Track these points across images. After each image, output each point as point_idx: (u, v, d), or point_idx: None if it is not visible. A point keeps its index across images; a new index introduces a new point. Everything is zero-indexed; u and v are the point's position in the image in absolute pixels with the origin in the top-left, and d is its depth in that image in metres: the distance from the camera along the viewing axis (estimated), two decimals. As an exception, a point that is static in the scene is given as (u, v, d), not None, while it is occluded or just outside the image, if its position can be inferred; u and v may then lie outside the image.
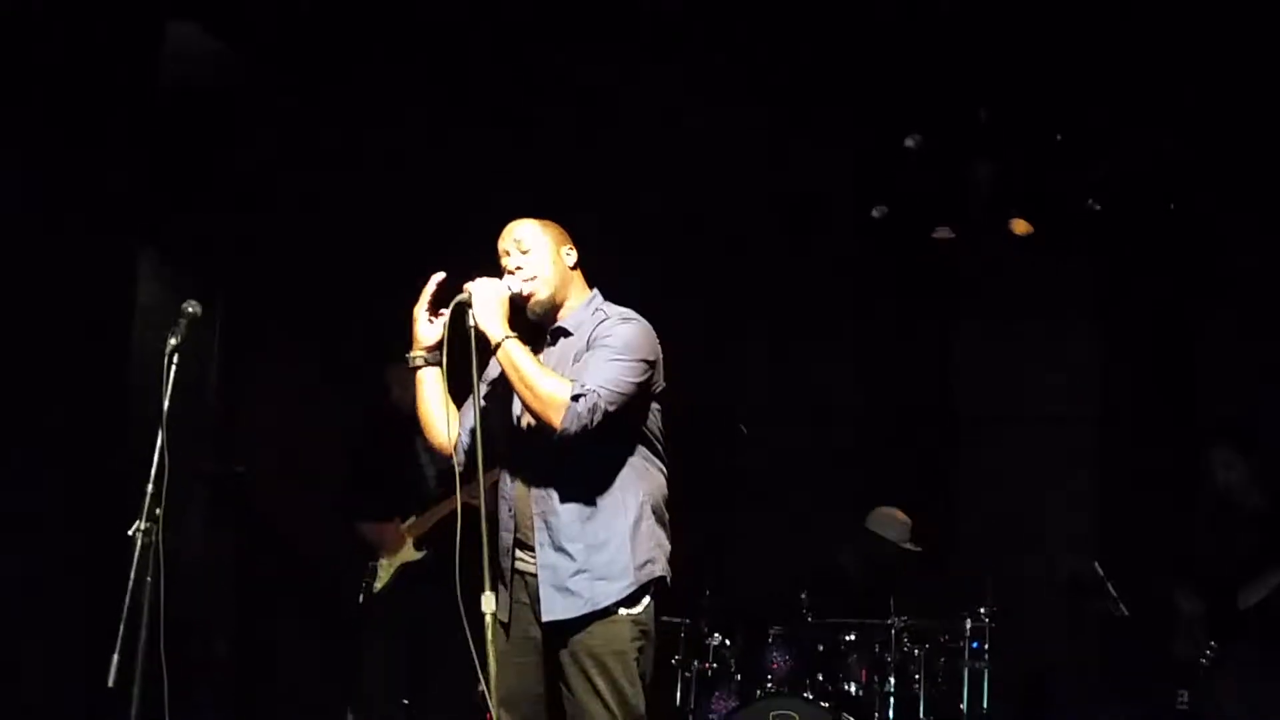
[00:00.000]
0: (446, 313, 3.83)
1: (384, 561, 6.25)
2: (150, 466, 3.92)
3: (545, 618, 3.86)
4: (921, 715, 6.70)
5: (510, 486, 4.03)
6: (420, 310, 3.97)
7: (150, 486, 3.90)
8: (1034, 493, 8.27)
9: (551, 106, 7.25)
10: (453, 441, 3.94)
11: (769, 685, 6.68)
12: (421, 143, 7.19)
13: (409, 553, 6.23)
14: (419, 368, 4.01)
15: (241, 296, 6.73)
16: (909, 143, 7.49)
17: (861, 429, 8.40)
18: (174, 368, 4.02)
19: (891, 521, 7.23)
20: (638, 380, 3.88)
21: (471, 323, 3.77)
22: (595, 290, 4.12)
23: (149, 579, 3.86)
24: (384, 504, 6.28)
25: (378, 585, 6.22)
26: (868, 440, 8.36)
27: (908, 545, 7.19)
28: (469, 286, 3.82)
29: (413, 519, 6.21)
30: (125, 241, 6.33)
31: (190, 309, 4.11)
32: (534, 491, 3.94)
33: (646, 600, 3.91)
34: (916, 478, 8.25)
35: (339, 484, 6.53)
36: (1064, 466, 8.32)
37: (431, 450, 4.15)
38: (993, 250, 8.09)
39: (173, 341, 4.04)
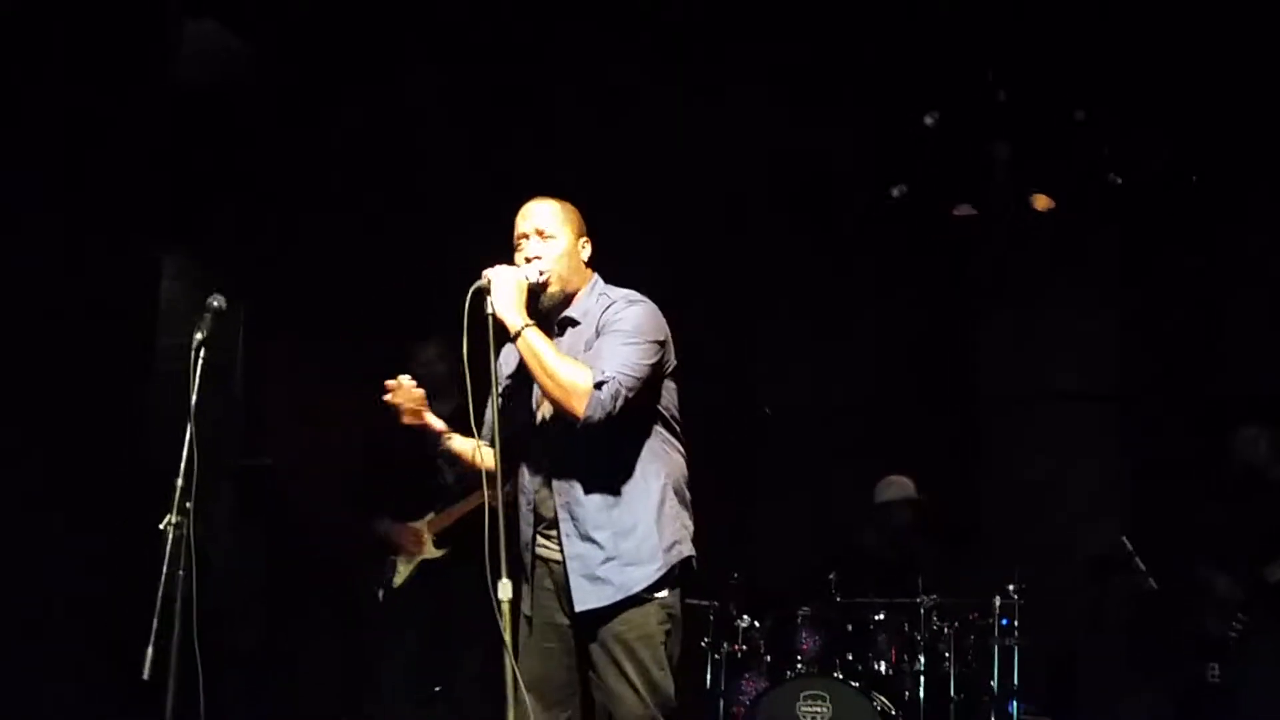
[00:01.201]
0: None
1: (402, 559, 6.25)
2: (178, 460, 3.94)
3: (578, 607, 3.86)
4: (952, 693, 6.70)
5: (529, 478, 4.03)
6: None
7: (179, 480, 3.92)
8: (1060, 470, 8.24)
9: (566, 93, 7.26)
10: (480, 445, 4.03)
11: (799, 666, 6.69)
12: (441, 136, 7.20)
13: (429, 550, 6.22)
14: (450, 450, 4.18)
15: (265, 291, 6.76)
16: (928, 121, 7.47)
17: (885, 408, 8.38)
18: (200, 362, 4.03)
19: (889, 485, 7.43)
20: (652, 362, 3.88)
21: (490, 310, 3.76)
22: (596, 275, 4.10)
23: (181, 572, 3.88)
24: (402, 503, 6.27)
25: (397, 580, 6.22)
26: (892, 420, 8.34)
27: (912, 495, 7.32)
28: (488, 273, 3.80)
29: (431, 515, 6.20)
30: (149, 240, 6.36)
31: (215, 304, 4.11)
32: (556, 482, 3.93)
33: (674, 585, 3.92)
34: (941, 457, 8.25)
35: (358, 480, 6.52)
36: (1089, 442, 8.29)
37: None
38: (1014, 227, 8.06)
39: (198, 336, 4.05)
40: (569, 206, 4.08)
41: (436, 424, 4.17)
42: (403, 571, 6.22)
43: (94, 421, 5.81)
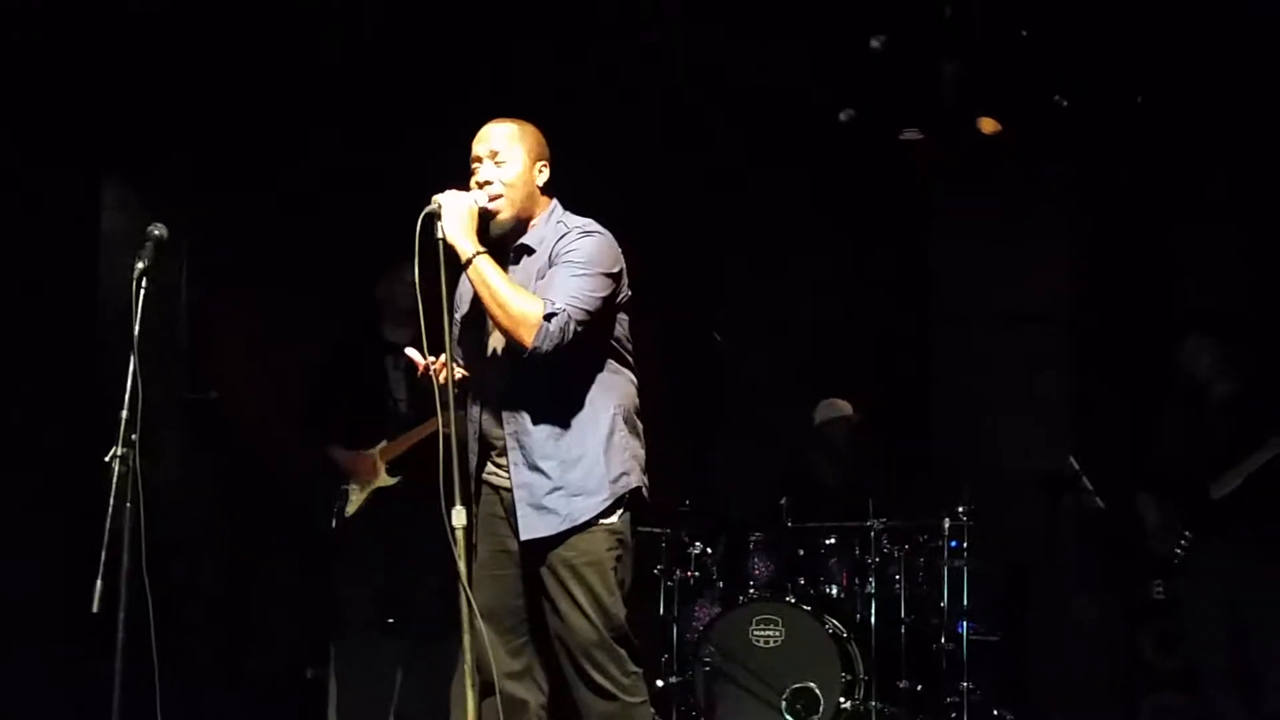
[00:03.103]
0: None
1: (355, 487, 6.21)
2: (123, 392, 3.90)
3: (524, 536, 3.88)
4: (903, 615, 6.77)
5: (478, 406, 4.01)
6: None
7: (125, 412, 3.87)
8: (1009, 391, 8.30)
9: (518, 18, 7.16)
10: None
11: (751, 591, 6.74)
12: (390, 63, 7.09)
13: (383, 478, 6.18)
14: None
15: (207, 220, 6.66)
16: (874, 44, 7.43)
17: (836, 333, 8.41)
18: (143, 291, 3.97)
19: (825, 406, 7.60)
20: (604, 294, 3.86)
21: (440, 235, 3.72)
22: (555, 201, 4.05)
23: (128, 504, 3.85)
24: (355, 431, 6.22)
25: (349, 509, 6.18)
26: (841, 343, 8.38)
27: (847, 414, 7.45)
28: (438, 198, 3.76)
29: (384, 443, 6.16)
30: (89, 171, 6.26)
31: (156, 232, 4.05)
32: (505, 411, 3.92)
33: (622, 510, 3.92)
34: (890, 379, 8.29)
35: (309, 408, 6.45)
36: (1037, 363, 8.34)
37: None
38: (962, 150, 8.06)
39: (140, 265, 3.99)
40: (528, 129, 4.01)
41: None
42: (355, 501, 6.19)
43: (37, 355, 5.75)
